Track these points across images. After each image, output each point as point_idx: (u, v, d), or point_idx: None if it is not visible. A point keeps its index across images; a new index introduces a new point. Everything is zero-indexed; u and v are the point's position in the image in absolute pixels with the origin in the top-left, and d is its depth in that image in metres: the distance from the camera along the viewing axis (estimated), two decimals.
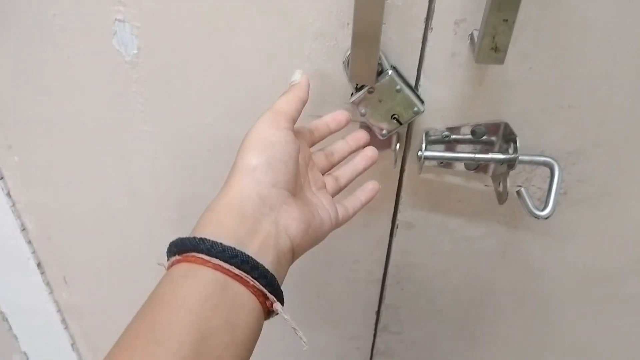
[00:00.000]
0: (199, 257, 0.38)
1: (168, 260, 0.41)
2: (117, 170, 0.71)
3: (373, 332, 0.81)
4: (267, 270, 0.40)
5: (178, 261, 0.39)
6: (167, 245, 0.41)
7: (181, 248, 0.39)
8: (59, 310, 0.94)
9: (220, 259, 0.37)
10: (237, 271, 0.38)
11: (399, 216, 0.66)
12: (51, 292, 0.91)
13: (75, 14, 0.58)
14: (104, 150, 0.69)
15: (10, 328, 0.99)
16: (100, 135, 0.68)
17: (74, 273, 0.88)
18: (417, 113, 0.54)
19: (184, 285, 0.37)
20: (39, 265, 0.87)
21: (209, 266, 0.37)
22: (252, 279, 0.38)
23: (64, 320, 0.95)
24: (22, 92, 0.66)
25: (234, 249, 0.38)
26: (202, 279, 0.37)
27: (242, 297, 0.38)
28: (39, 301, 0.92)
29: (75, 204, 0.77)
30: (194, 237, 0.39)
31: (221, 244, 0.38)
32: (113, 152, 0.69)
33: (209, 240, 0.38)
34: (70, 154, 0.71)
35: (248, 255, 0.39)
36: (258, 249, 0.40)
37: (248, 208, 0.41)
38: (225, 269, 0.37)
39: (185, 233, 0.77)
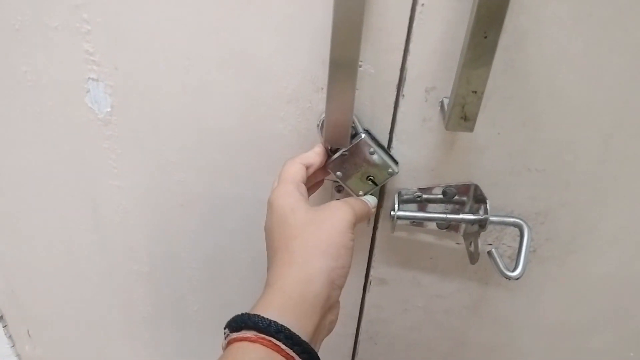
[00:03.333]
0: (276, 344, 0.38)
1: (233, 330, 0.41)
2: (86, 224, 0.70)
3: None
4: None
5: (255, 340, 0.39)
6: (237, 315, 0.42)
7: (258, 326, 0.39)
8: None
9: (295, 352, 0.39)
10: None
11: (372, 272, 0.66)
12: (13, 346, 0.88)
13: (47, 71, 0.57)
14: (73, 204, 0.68)
15: None
16: (70, 189, 0.67)
17: (38, 326, 0.85)
18: (392, 174, 0.55)
19: None
20: (1, 317, 0.84)
21: (285, 357, 0.38)
22: None
23: None
24: None
25: (309, 347, 0.40)
26: None
27: None
28: (0, 354, 0.88)
29: (42, 257, 0.75)
30: (276, 323, 0.39)
31: (299, 337, 0.40)
32: (83, 207, 0.68)
33: (289, 330, 0.39)
34: (38, 207, 0.69)
35: (317, 357, 0.41)
36: (318, 348, 0.44)
37: (318, 308, 0.43)
38: None
39: (155, 287, 0.75)
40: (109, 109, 0.58)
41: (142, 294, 0.76)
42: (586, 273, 0.64)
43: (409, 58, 0.50)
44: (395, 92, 0.52)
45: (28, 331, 0.85)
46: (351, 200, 0.51)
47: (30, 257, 0.75)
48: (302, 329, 0.41)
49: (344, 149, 0.54)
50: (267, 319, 0.40)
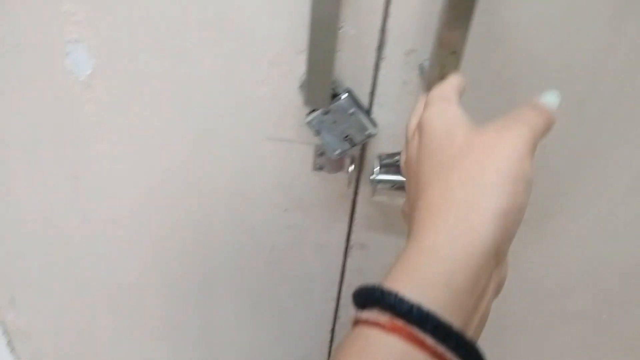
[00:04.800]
0: (419, 339, 0.28)
1: (360, 303, 0.31)
2: (69, 189, 0.70)
3: (328, 350, 0.82)
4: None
5: (389, 328, 0.28)
6: (366, 285, 0.32)
7: (393, 308, 0.28)
8: (5, 332, 0.91)
9: (448, 349, 0.28)
10: None
11: (353, 237, 0.67)
12: None
13: (26, 34, 0.57)
14: (55, 170, 0.68)
15: None
16: (51, 153, 0.66)
17: (23, 294, 0.85)
18: (370, 135, 0.56)
19: None
20: None
21: (432, 355, 0.28)
22: None
23: (10, 343, 0.92)
24: None
25: (468, 343, 0.29)
26: None
27: None
28: None
29: (24, 223, 0.75)
30: (420, 308, 0.28)
31: (451, 328, 0.28)
32: (65, 172, 0.68)
33: (438, 319, 0.28)
34: (20, 173, 0.69)
35: (479, 354, 0.30)
36: (474, 332, 0.32)
37: (483, 270, 0.31)
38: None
39: (139, 256, 0.76)
40: (89, 72, 0.58)
41: (126, 261, 0.77)
42: (561, 237, 0.65)
43: (389, 20, 0.51)
44: (376, 55, 0.53)
45: (12, 298, 0.85)
46: (525, 112, 0.37)
47: (12, 225, 0.75)
48: (459, 309, 0.29)
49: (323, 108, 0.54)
50: (407, 299, 0.28)
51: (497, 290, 0.36)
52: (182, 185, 0.67)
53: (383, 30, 0.51)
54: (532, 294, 0.71)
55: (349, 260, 0.70)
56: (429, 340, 0.27)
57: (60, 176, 0.68)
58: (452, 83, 0.42)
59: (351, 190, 0.64)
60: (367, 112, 0.56)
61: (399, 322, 0.28)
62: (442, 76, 0.49)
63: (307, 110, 0.57)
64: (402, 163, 0.43)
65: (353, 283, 0.72)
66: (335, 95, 0.54)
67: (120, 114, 0.61)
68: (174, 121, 0.61)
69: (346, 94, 0.54)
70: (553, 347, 0.78)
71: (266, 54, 0.54)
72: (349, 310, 0.76)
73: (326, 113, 0.55)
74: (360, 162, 0.61)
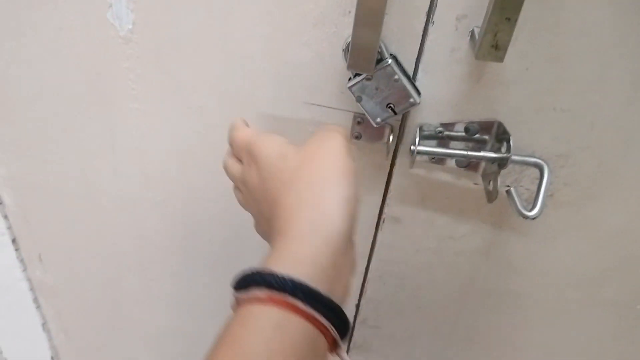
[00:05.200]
0: (293, 304, 0.32)
1: (240, 286, 0.35)
2: (102, 147, 0.69)
3: (352, 324, 0.81)
4: (348, 322, 0.36)
5: (266, 300, 0.33)
6: (244, 271, 0.36)
7: (269, 284, 0.33)
8: (31, 289, 0.92)
9: (316, 311, 0.33)
10: (331, 329, 0.34)
11: (386, 210, 0.66)
12: (25, 270, 0.89)
13: None
14: (90, 126, 0.68)
15: None
16: (87, 110, 0.66)
17: (50, 251, 0.86)
18: (413, 104, 0.54)
19: (278, 341, 0.32)
20: (13, 241, 0.85)
21: (305, 318, 0.32)
22: (338, 336, 0.35)
23: (36, 299, 0.93)
24: (8, 60, 0.64)
25: (334, 304, 0.34)
26: (298, 335, 0.32)
27: (324, 350, 0.35)
28: (11, 278, 0.90)
29: (55, 180, 0.75)
30: (292, 280, 0.33)
31: (319, 293, 0.33)
32: (99, 129, 0.68)
33: (307, 287, 0.33)
34: (54, 128, 0.69)
35: (345, 315, 0.35)
36: (341, 297, 0.38)
37: (340, 249, 0.36)
38: (320, 324, 0.33)
39: (169, 216, 0.76)
40: (130, 26, 0.57)
41: (155, 223, 0.76)
42: (603, 221, 0.63)
43: None
44: (425, 19, 0.51)
45: (40, 255, 0.86)
46: (329, 126, 0.45)
47: (45, 181, 0.75)
48: (325, 280, 0.34)
49: (367, 74, 0.53)
50: (280, 275, 0.33)
51: (353, 268, 0.41)
52: (215, 147, 0.66)
53: None
54: (565, 277, 0.69)
55: (380, 234, 0.69)
56: (302, 305, 0.32)
57: (96, 131, 0.68)
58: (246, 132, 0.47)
59: (388, 161, 0.62)
60: (412, 79, 0.54)
61: (275, 294, 0.32)
62: (494, 44, 0.48)
63: (348, 75, 0.55)
64: (239, 197, 0.50)
65: (383, 258, 0.71)
66: (379, 61, 0.53)
67: (158, 73, 0.61)
68: (210, 81, 0.60)
69: (391, 60, 0.52)
70: (583, 335, 0.76)
71: (310, 14, 0.53)
72: (375, 285, 0.75)
73: (369, 79, 0.54)
74: (400, 133, 0.59)
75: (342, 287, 0.38)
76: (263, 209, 0.44)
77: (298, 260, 0.35)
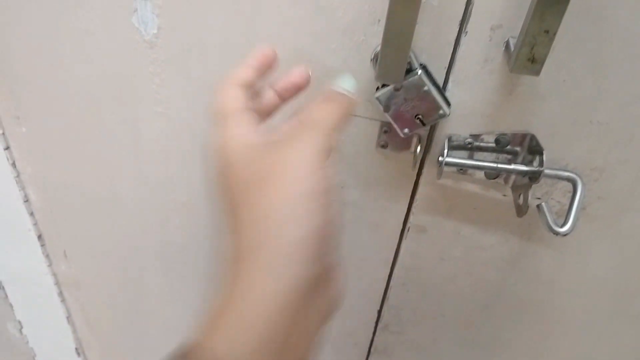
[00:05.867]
0: None
1: None
2: (126, 149, 0.69)
3: (373, 330, 0.80)
4: None
5: None
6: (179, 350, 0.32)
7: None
8: (56, 283, 0.93)
9: None
10: None
11: (411, 219, 0.65)
12: (50, 265, 0.90)
13: None
14: (115, 128, 0.68)
15: (7, 296, 0.98)
16: (112, 112, 0.66)
17: (75, 247, 0.87)
18: (442, 116, 0.53)
19: None
20: (39, 237, 0.85)
21: None
22: None
23: (61, 293, 0.95)
24: (37, 62, 0.64)
25: None
26: None
27: None
28: (37, 272, 0.91)
29: (81, 179, 0.75)
30: None
31: None
32: (124, 131, 0.67)
33: None
34: (80, 129, 0.69)
35: None
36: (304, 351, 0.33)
37: (297, 299, 0.31)
38: None
39: (192, 217, 0.75)
40: (155, 31, 0.57)
41: (178, 223, 0.76)
42: (636, 235, 0.61)
43: None
44: (458, 28, 0.49)
45: (65, 251, 0.87)
46: (316, 111, 0.36)
47: (70, 179, 0.76)
48: (274, 344, 0.30)
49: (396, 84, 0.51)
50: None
51: (328, 312, 0.34)
52: None
53: (469, 2, 0.48)
54: (595, 291, 0.67)
55: (404, 242, 0.67)
56: None
57: (120, 133, 0.68)
58: (236, 95, 0.38)
59: (415, 171, 0.61)
60: (442, 90, 0.53)
61: None
62: (531, 57, 0.46)
63: (376, 83, 0.54)
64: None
65: (407, 265, 0.70)
66: (408, 70, 0.51)
67: (183, 77, 0.60)
68: None
69: (421, 70, 0.51)
70: (612, 349, 0.74)
71: (340, 21, 0.51)
72: (398, 291, 0.74)
73: (397, 89, 0.52)
74: (427, 142, 0.58)
75: (306, 338, 0.32)
76: (226, 194, 0.35)
77: (239, 329, 0.30)
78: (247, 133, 0.36)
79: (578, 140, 0.54)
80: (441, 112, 0.52)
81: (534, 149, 0.54)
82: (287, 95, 0.44)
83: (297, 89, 0.43)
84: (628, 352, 0.73)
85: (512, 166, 0.54)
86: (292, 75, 0.43)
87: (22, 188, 0.79)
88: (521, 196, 0.56)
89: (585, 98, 0.51)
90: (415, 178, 0.62)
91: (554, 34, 0.43)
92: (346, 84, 0.38)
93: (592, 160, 0.56)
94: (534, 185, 0.55)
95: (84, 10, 0.57)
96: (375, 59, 0.52)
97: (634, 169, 0.56)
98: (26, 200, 0.80)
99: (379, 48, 0.49)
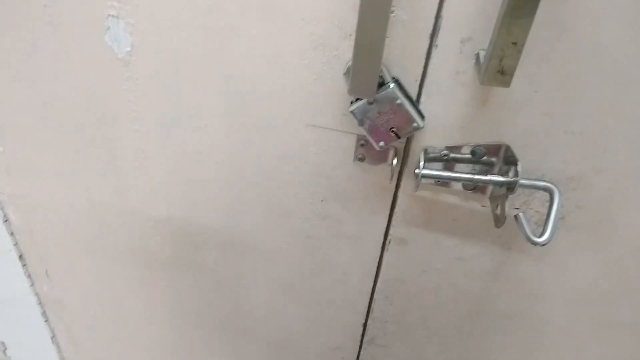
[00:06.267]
0: None
1: None
2: (104, 166, 0.69)
3: (359, 343, 0.80)
4: None
5: None
6: None
7: None
8: (39, 303, 0.92)
9: None
10: None
11: (392, 231, 0.65)
12: (32, 285, 0.89)
13: (67, 6, 0.55)
14: (92, 146, 0.67)
15: None
16: (88, 130, 0.66)
17: (56, 266, 0.86)
18: (416, 128, 0.53)
19: None
20: (20, 257, 0.85)
21: None
22: None
23: (44, 313, 0.94)
24: (10, 83, 0.63)
25: None
26: None
27: None
28: (19, 293, 0.90)
29: (60, 198, 0.75)
30: None
31: None
32: (101, 149, 0.67)
33: None
34: (57, 148, 0.69)
35: None
36: None
37: None
38: None
39: (171, 233, 0.75)
40: (128, 49, 0.57)
41: (159, 240, 0.76)
42: (616, 243, 0.61)
43: (446, 5, 0.47)
44: (428, 42, 0.49)
45: (46, 271, 0.86)
46: None
47: (50, 199, 0.75)
48: None
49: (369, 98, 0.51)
50: None
51: None
52: (217, 168, 0.65)
53: (438, 16, 0.48)
54: (578, 300, 0.67)
55: (386, 254, 0.67)
56: None
57: (98, 151, 0.67)
58: None
59: (393, 184, 0.60)
60: (415, 103, 0.53)
61: None
62: (500, 69, 0.46)
63: (350, 97, 0.54)
64: None
65: (389, 278, 0.70)
66: (381, 84, 0.51)
67: (157, 94, 0.60)
68: (211, 102, 0.59)
69: (393, 84, 0.51)
70: (593, 356, 0.74)
71: (311, 36, 0.51)
72: (382, 304, 0.73)
73: (371, 102, 0.52)
74: (404, 155, 0.58)
75: None
76: None
77: None
78: None
79: (553, 150, 0.54)
80: (415, 124, 0.52)
81: (510, 160, 0.54)
82: None
83: None
84: (614, 359, 0.73)
85: (489, 177, 0.54)
86: None
87: (1, 208, 0.78)
88: (499, 207, 0.56)
89: (557, 108, 0.51)
90: (394, 190, 0.61)
91: (522, 46, 0.44)
92: None
93: (567, 170, 0.56)
94: (511, 196, 0.55)
95: (57, 30, 0.57)
96: (348, 73, 0.52)
97: (611, 178, 0.56)
98: (6, 220, 0.79)
99: (350, 63, 0.49)
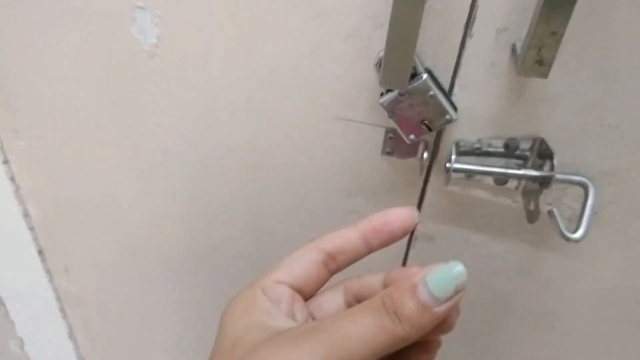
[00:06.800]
0: None
1: None
2: (127, 161, 0.68)
3: None
4: None
5: None
6: None
7: None
8: (57, 299, 0.91)
9: None
10: None
11: (419, 227, 0.63)
12: (51, 280, 0.88)
13: None
14: (114, 140, 0.66)
15: (8, 313, 0.97)
16: (112, 124, 0.65)
17: (76, 262, 0.85)
18: (449, 121, 0.52)
19: None
20: (40, 252, 0.84)
21: None
22: None
23: (62, 309, 0.93)
24: (34, 75, 0.63)
25: None
26: None
27: None
28: (38, 288, 0.89)
29: (81, 193, 0.74)
30: None
31: None
32: (124, 143, 0.66)
33: None
34: (79, 142, 0.68)
35: None
36: None
37: None
38: None
39: (194, 231, 0.74)
40: (155, 40, 0.56)
41: (180, 237, 0.75)
42: None
43: None
44: (463, 32, 0.48)
45: (66, 266, 0.85)
46: (354, 316, 0.28)
47: (70, 193, 0.75)
48: None
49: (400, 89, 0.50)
50: None
51: None
52: (242, 161, 0.64)
53: (473, 5, 0.47)
54: (608, 299, 0.66)
55: (412, 251, 0.66)
56: None
57: (120, 145, 0.67)
58: (307, 262, 0.32)
59: (421, 178, 0.59)
60: (448, 94, 0.51)
61: None
62: (539, 59, 0.45)
63: (380, 89, 0.53)
64: None
65: None
66: (413, 75, 0.50)
67: (183, 87, 0.59)
68: (237, 96, 0.58)
69: (426, 75, 0.50)
70: (621, 357, 0.72)
71: (342, 27, 0.50)
72: None
73: (402, 94, 0.51)
74: (434, 148, 0.57)
75: None
76: None
77: None
78: (268, 324, 0.29)
79: (589, 144, 0.53)
80: (448, 117, 0.51)
81: (544, 154, 0.53)
82: (375, 245, 0.34)
83: (394, 238, 0.33)
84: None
85: (522, 171, 0.53)
86: (393, 217, 0.32)
87: (22, 202, 0.78)
88: (532, 202, 0.55)
89: (595, 101, 0.50)
90: (422, 185, 0.60)
91: (561, 36, 0.42)
92: (439, 287, 0.27)
93: (603, 164, 0.54)
94: (544, 191, 0.54)
95: (82, 20, 0.56)
96: (379, 64, 0.51)
97: None
98: (26, 215, 0.79)
99: (382, 53, 0.47)
